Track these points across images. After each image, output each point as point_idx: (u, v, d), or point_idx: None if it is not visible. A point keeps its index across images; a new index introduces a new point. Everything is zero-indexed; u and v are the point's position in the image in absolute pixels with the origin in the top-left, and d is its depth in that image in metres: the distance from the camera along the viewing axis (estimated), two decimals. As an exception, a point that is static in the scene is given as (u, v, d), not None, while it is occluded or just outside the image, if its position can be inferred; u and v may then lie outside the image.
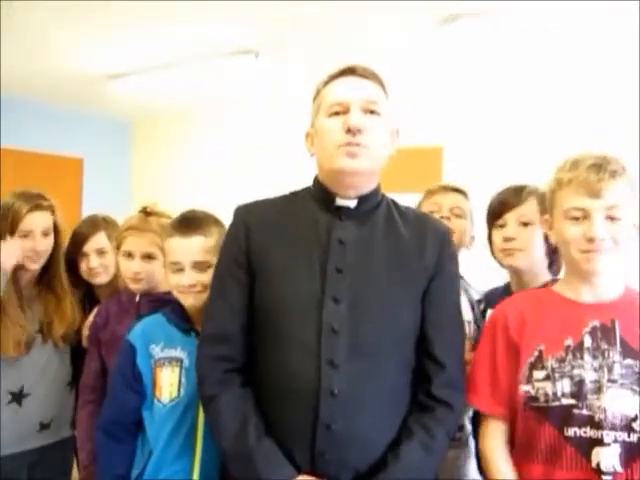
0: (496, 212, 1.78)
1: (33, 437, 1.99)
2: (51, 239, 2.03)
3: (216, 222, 1.65)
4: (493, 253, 1.83)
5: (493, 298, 1.82)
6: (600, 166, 1.34)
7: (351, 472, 1.28)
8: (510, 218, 1.74)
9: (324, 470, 1.27)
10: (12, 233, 1.94)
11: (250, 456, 1.28)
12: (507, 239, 1.73)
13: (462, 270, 1.96)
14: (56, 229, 2.04)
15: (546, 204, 1.55)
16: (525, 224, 1.72)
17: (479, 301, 1.92)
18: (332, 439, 1.27)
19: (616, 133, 3.67)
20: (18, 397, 1.97)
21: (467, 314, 1.83)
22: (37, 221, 1.98)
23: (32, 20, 3.64)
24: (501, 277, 1.92)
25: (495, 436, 1.43)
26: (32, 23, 3.69)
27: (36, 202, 1.99)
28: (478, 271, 1.98)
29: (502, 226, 1.76)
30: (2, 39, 3.81)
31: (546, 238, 1.71)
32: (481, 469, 1.83)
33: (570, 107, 4.25)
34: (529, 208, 1.73)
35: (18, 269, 1.99)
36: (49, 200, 2.04)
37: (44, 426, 2.01)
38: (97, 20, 3.66)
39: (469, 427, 1.94)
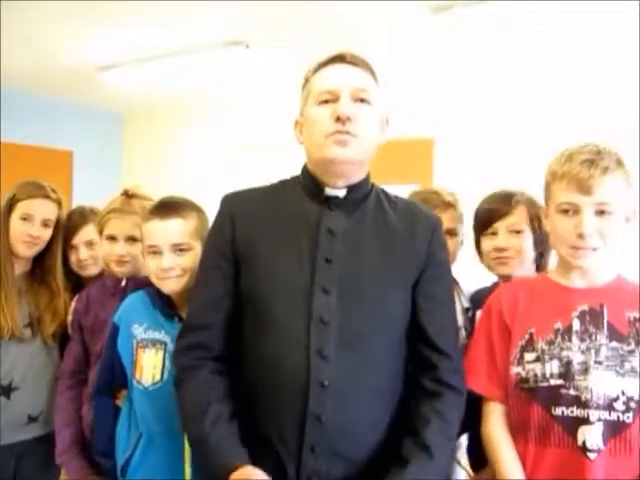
0: (485, 221, 1.78)
1: (21, 429, 1.99)
2: (49, 231, 2.03)
3: (195, 207, 1.65)
4: (482, 259, 1.84)
5: (480, 299, 1.81)
6: (592, 162, 1.35)
7: (342, 463, 1.28)
8: (501, 227, 1.75)
9: (315, 461, 1.27)
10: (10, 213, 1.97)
11: (205, 440, 1.28)
12: (499, 249, 1.74)
13: (457, 276, 1.97)
14: (58, 224, 2.05)
15: (534, 209, 1.69)
16: (517, 232, 1.73)
17: (467, 309, 1.91)
18: (322, 430, 1.26)
19: (612, 127, 3.66)
20: (7, 391, 1.96)
21: (459, 320, 1.83)
22: (40, 208, 2.00)
23: (22, 12, 3.60)
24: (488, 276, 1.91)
25: (495, 419, 1.45)
26: (22, 15, 3.66)
27: (44, 191, 2.01)
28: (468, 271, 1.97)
29: (493, 234, 1.76)
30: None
31: (536, 243, 1.75)
32: (471, 452, 1.85)
33: (564, 99, 4.24)
34: (519, 216, 1.74)
35: (13, 256, 1.99)
36: (58, 194, 2.06)
37: (32, 419, 2.00)
38: (87, 12, 3.63)
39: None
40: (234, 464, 1.23)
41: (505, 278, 1.77)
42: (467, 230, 1.97)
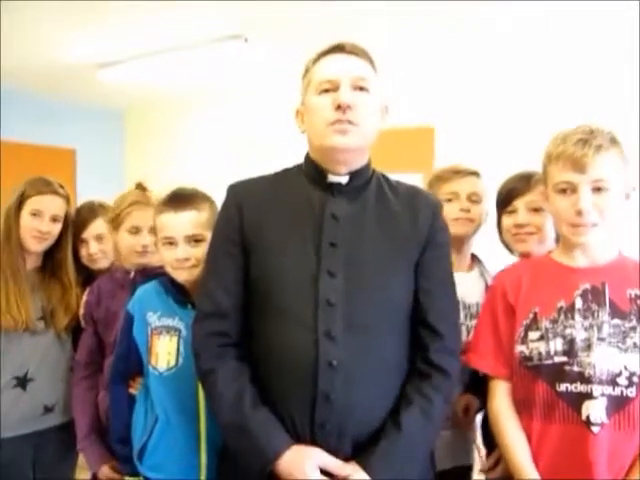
0: (506, 199, 1.83)
1: (37, 420, 2.03)
2: (58, 226, 2.07)
3: (206, 197, 1.68)
4: (502, 237, 1.88)
5: None
6: (586, 141, 1.38)
7: (350, 442, 1.31)
8: (520, 204, 1.79)
9: (324, 440, 1.30)
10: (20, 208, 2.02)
11: (246, 425, 1.30)
12: (518, 225, 1.78)
13: (481, 255, 2.00)
14: (67, 219, 2.10)
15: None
16: (536, 210, 1.77)
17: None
18: (331, 410, 1.29)
19: (612, 126, 3.66)
20: (23, 382, 2.01)
21: (480, 297, 1.86)
22: (48, 204, 2.04)
23: (21, 11, 3.62)
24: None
25: (501, 397, 1.49)
26: (21, 14, 3.68)
27: (53, 188, 2.06)
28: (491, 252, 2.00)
29: (512, 212, 1.81)
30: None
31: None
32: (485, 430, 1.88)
33: (564, 87, 4.23)
34: (538, 195, 1.74)
35: (24, 252, 2.04)
36: (65, 190, 2.11)
37: (48, 409, 2.04)
38: (86, 9, 3.64)
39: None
40: (287, 445, 1.28)
41: (524, 256, 1.80)
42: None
